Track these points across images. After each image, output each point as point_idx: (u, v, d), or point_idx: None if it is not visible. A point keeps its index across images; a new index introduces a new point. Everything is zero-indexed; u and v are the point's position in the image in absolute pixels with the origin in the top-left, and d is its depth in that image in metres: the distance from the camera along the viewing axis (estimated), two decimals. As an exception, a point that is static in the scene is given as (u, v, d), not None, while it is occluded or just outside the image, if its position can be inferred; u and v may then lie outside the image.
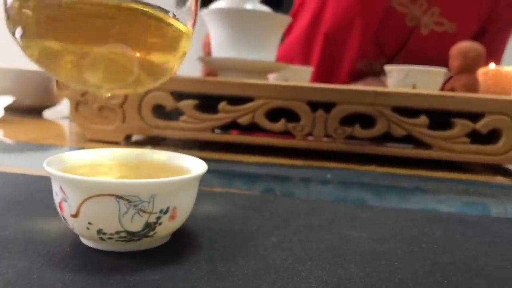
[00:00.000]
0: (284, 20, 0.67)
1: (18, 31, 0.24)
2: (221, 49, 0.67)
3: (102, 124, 0.60)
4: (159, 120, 0.59)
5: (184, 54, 0.28)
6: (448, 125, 0.56)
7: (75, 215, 0.23)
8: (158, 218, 0.24)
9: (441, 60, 1.16)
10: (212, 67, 0.67)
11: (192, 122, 0.58)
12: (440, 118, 0.56)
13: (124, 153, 0.30)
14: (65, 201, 0.24)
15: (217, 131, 0.60)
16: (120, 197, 0.23)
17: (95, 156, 0.29)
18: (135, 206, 0.23)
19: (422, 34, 1.10)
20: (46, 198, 0.32)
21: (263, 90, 0.57)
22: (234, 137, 0.59)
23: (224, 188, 0.41)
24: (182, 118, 0.58)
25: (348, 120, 0.56)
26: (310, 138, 0.58)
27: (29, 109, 0.92)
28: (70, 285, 0.20)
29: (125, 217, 0.23)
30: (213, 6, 0.66)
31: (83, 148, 0.57)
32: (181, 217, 0.25)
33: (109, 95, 0.28)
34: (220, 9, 0.64)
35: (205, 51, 0.79)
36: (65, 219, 0.24)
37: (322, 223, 0.31)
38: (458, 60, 0.71)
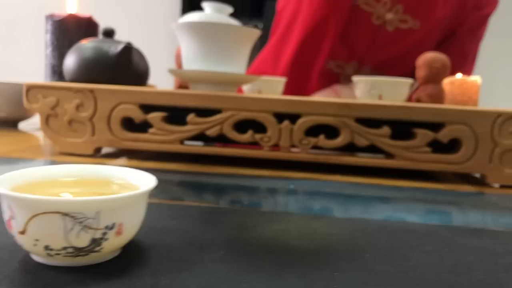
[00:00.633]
0: (253, 33, 0.68)
1: None
2: (191, 62, 0.68)
3: (72, 137, 0.61)
4: (127, 132, 0.59)
5: None
6: (410, 135, 0.57)
7: (22, 232, 0.24)
8: (104, 234, 0.25)
9: (410, 58, 1.19)
10: (183, 79, 0.68)
11: (161, 134, 0.59)
12: (403, 128, 0.57)
13: (77, 169, 0.31)
14: (13, 218, 0.24)
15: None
16: (66, 214, 0.24)
17: (47, 173, 0.30)
18: (80, 222, 0.24)
19: (388, 31, 1.12)
20: None
21: (231, 102, 0.58)
22: (202, 148, 0.60)
23: (190, 201, 0.42)
24: (151, 130, 0.59)
25: (314, 131, 0.58)
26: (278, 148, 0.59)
27: (4, 121, 0.92)
28: (12, 301, 0.21)
29: (71, 233, 0.24)
30: (183, 19, 0.67)
31: (53, 161, 0.57)
32: (128, 233, 0.26)
33: None
34: (190, 23, 0.65)
35: (177, 63, 0.80)
36: (14, 236, 0.25)
37: (272, 235, 0.33)
38: (423, 70, 0.73)
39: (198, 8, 0.72)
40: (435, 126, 0.57)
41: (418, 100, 0.74)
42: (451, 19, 1.17)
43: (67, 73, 0.65)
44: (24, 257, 0.26)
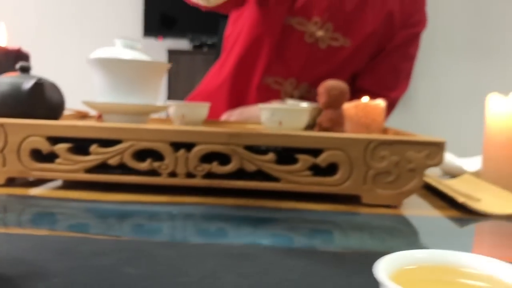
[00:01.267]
0: (161, 66, 0.74)
1: None
2: (104, 94, 0.73)
3: (-16, 168, 0.65)
4: (36, 163, 0.64)
5: None
6: (294, 160, 0.63)
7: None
8: None
9: (344, 73, 1.27)
10: (95, 110, 0.73)
11: (66, 164, 0.64)
12: (288, 154, 0.63)
13: None
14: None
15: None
16: None
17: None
18: None
19: (321, 49, 1.20)
20: None
21: (130, 134, 0.63)
22: (103, 177, 0.65)
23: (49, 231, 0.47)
24: (57, 160, 0.64)
25: (209, 157, 0.63)
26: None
27: None
28: None
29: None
30: (94, 54, 0.73)
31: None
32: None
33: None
34: (100, 59, 0.71)
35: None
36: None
37: (115, 262, 0.38)
38: (323, 97, 0.79)
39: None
40: (315, 152, 0.63)
41: (320, 124, 0.81)
42: (380, 36, 1.25)
43: (-16, 106, 0.70)
44: None
